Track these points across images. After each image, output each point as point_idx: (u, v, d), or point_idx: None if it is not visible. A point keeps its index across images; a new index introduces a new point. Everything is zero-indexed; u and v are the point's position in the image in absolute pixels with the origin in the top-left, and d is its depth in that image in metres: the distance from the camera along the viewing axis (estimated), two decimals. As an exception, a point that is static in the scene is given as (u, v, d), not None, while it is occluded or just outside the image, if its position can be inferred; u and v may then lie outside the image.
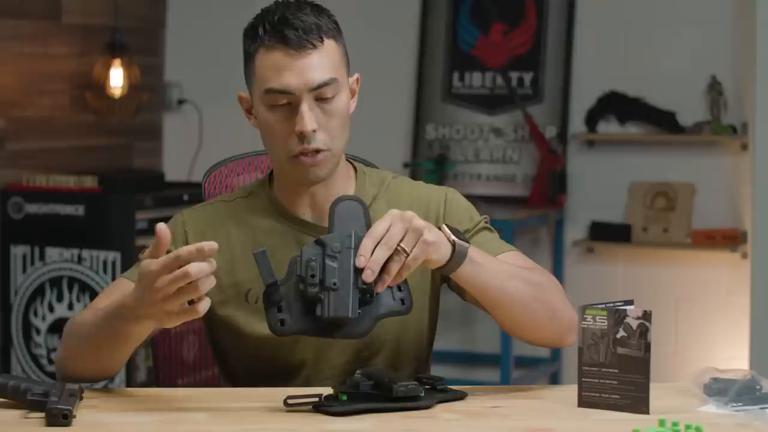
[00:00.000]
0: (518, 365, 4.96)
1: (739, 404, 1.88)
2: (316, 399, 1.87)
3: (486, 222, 2.20)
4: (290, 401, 1.86)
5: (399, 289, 1.87)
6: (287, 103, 2.04)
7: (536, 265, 2.13)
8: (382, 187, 2.20)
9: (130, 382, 4.52)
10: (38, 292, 4.64)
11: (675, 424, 1.75)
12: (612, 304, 1.91)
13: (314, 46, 2.02)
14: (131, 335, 1.91)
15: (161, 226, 1.81)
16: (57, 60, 4.93)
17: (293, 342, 2.09)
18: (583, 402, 1.91)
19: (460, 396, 1.95)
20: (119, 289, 2.05)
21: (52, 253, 4.63)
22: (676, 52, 5.04)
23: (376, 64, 5.14)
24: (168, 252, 1.82)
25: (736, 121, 4.94)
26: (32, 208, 4.65)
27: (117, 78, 4.99)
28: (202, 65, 5.46)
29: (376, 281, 1.82)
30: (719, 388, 1.91)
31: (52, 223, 4.62)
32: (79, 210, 4.61)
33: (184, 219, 2.17)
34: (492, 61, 5.33)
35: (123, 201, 4.59)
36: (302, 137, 2.03)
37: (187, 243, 2.11)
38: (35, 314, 4.64)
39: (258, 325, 2.09)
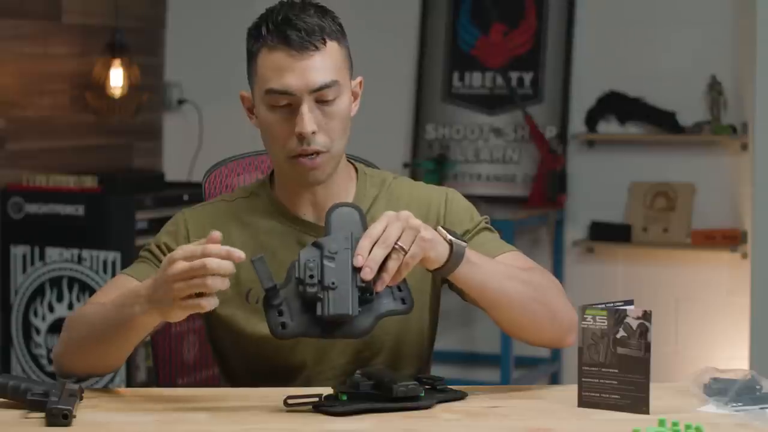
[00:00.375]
0: (518, 365, 4.96)
1: (739, 404, 1.88)
2: (316, 399, 1.87)
3: (486, 222, 2.20)
4: (290, 401, 1.86)
5: (399, 289, 1.87)
6: (288, 104, 2.04)
7: (537, 266, 2.13)
8: (383, 188, 2.20)
9: (130, 382, 4.52)
10: (38, 292, 4.64)
11: (675, 424, 1.75)
12: (612, 304, 1.91)
13: (316, 48, 2.02)
14: (138, 326, 1.92)
15: (216, 232, 1.81)
16: (57, 60, 4.93)
17: (294, 342, 2.09)
18: (583, 402, 1.91)
19: (460, 396, 1.96)
20: (121, 285, 2.06)
21: (52, 253, 4.63)
22: (676, 52, 5.04)
23: (376, 65, 5.14)
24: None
25: (736, 121, 4.95)
26: (32, 208, 4.65)
27: (117, 78, 4.99)
28: (202, 65, 5.46)
29: (375, 280, 1.82)
30: (719, 388, 1.91)
31: (52, 223, 4.62)
32: (79, 210, 4.61)
33: (185, 218, 2.18)
34: (492, 61, 5.33)
35: (123, 201, 4.59)
36: (301, 138, 2.03)
37: (188, 241, 2.11)
38: (35, 314, 4.64)
39: (258, 325, 2.08)
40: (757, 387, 1.91)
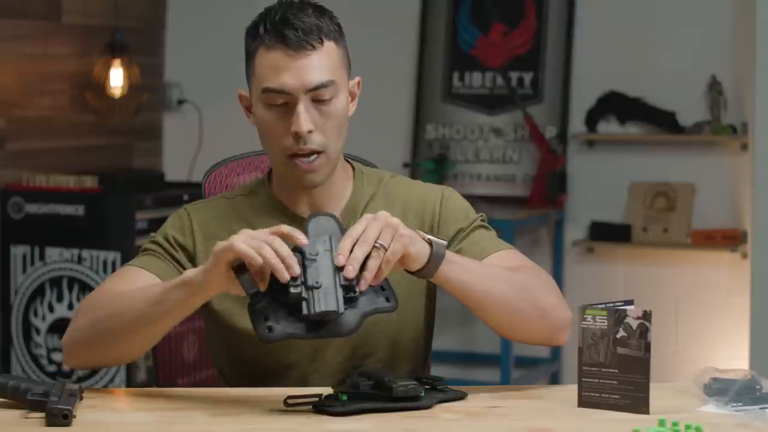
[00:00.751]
0: (518, 365, 4.96)
1: (739, 404, 1.88)
2: (316, 399, 1.87)
3: (482, 220, 2.20)
4: (290, 401, 1.86)
5: (382, 288, 1.86)
6: (284, 103, 2.04)
7: (533, 264, 2.13)
8: (380, 187, 2.20)
9: (130, 382, 4.53)
10: (38, 292, 4.64)
11: (675, 424, 1.75)
12: (612, 304, 1.91)
13: (313, 48, 2.02)
14: (189, 307, 1.93)
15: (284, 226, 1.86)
16: (57, 60, 4.93)
17: (289, 341, 2.09)
18: (583, 402, 1.91)
19: (460, 396, 1.96)
20: (135, 278, 2.06)
21: (52, 253, 4.63)
22: (676, 52, 5.04)
23: (376, 64, 5.14)
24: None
25: (736, 121, 4.95)
26: (32, 208, 4.65)
27: (117, 78, 5.00)
28: (202, 65, 5.46)
29: (358, 279, 1.83)
30: (719, 388, 1.91)
31: (52, 223, 4.62)
32: (79, 210, 4.61)
33: (188, 212, 2.18)
34: (492, 61, 5.33)
35: (123, 201, 4.59)
36: (297, 138, 2.04)
37: (193, 235, 2.13)
38: (35, 314, 4.64)
39: (255, 322, 2.10)
40: (757, 387, 1.91)
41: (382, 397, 1.87)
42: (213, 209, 2.18)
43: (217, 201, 2.21)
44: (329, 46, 2.05)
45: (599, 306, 1.91)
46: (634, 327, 1.87)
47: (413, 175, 5.23)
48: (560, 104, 5.22)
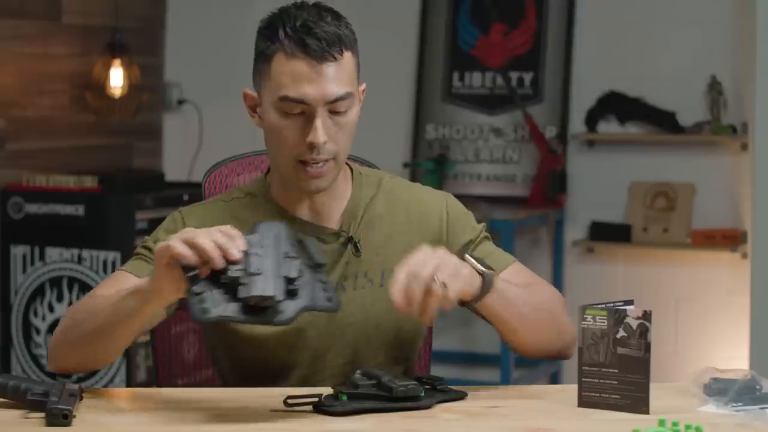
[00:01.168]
0: (518, 365, 4.96)
1: (739, 404, 1.88)
2: (316, 399, 1.87)
3: (484, 230, 2.23)
4: (290, 401, 1.86)
5: (324, 289, 1.85)
6: (300, 112, 2.03)
7: (538, 278, 2.18)
8: (380, 188, 2.20)
9: (130, 382, 4.52)
10: (38, 292, 4.64)
11: (675, 424, 1.75)
12: (612, 304, 1.91)
13: (335, 59, 2.02)
14: (144, 315, 1.91)
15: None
16: (57, 60, 4.93)
17: (291, 342, 2.10)
18: (583, 402, 1.91)
19: (460, 396, 1.96)
20: (122, 282, 2.06)
21: (52, 253, 4.63)
22: (676, 52, 5.04)
23: (376, 64, 5.13)
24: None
25: (736, 121, 4.95)
26: (32, 208, 4.65)
27: (117, 78, 5.00)
28: (202, 65, 5.46)
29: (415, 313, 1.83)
30: (719, 388, 1.91)
31: (52, 223, 4.62)
32: (79, 210, 4.61)
33: (182, 215, 2.17)
34: (492, 61, 5.33)
35: (123, 201, 4.59)
36: (312, 147, 2.03)
37: None
38: (35, 314, 4.64)
39: (254, 325, 2.10)
40: (757, 387, 1.91)
41: (382, 397, 1.87)
42: (209, 212, 2.17)
43: (213, 203, 2.20)
44: (347, 56, 2.04)
45: (599, 306, 1.91)
46: (634, 327, 1.87)
47: (413, 175, 5.24)
48: (560, 104, 5.22)
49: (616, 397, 1.88)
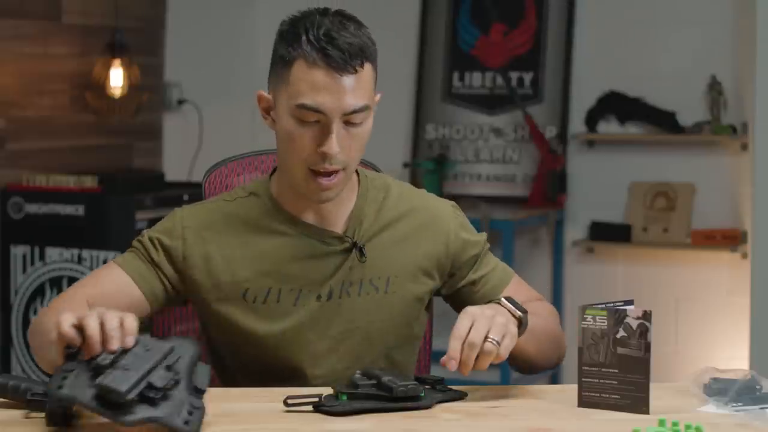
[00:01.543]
0: (518, 365, 4.95)
1: (739, 404, 1.88)
2: (316, 399, 1.87)
3: (485, 241, 2.26)
4: (290, 401, 1.86)
5: (190, 412, 1.76)
6: (316, 121, 2.03)
7: (534, 291, 2.24)
8: (389, 193, 2.21)
9: (130, 382, 4.52)
10: (38, 292, 4.64)
11: (675, 424, 1.75)
12: (612, 304, 1.91)
13: (355, 71, 2.01)
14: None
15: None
16: (57, 60, 4.93)
17: (292, 344, 2.10)
18: (583, 402, 1.91)
19: (460, 396, 1.96)
20: (112, 279, 2.09)
21: (52, 253, 4.63)
22: (676, 52, 5.04)
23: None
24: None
25: (736, 121, 4.94)
26: (32, 208, 4.65)
27: (117, 78, 4.99)
28: (202, 65, 5.46)
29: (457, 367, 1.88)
30: (719, 388, 1.91)
31: (52, 223, 4.62)
32: (79, 210, 4.61)
33: (183, 215, 2.17)
34: (492, 61, 5.33)
35: (123, 201, 4.59)
36: (324, 157, 2.03)
37: (183, 239, 2.13)
38: (35, 314, 4.64)
39: (255, 324, 2.10)
40: (757, 387, 1.91)
41: (382, 397, 1.87)
42: (210, 212, 2.17)
43: (215, 203, 2.20)
44: (368, 68, 2.04)
45: (599, 306, 1.91)
46: (634, 327, 1.87)
47: (413, 175, 5.24)
48: (560, 104, 5.22)
49: (616, 397, 1.88)
